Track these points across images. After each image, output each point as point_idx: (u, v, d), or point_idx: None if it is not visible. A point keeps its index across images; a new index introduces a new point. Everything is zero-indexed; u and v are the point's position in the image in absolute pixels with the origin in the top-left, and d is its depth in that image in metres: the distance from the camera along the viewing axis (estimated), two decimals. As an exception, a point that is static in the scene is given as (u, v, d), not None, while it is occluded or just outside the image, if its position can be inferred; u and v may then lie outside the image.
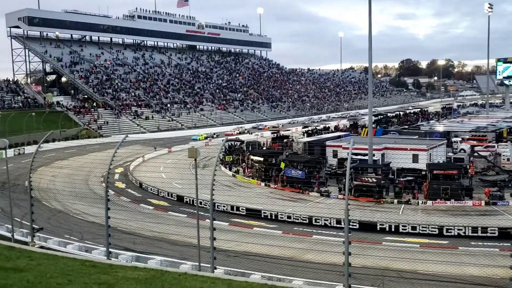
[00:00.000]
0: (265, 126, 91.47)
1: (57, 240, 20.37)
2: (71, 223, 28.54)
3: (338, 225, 26.89)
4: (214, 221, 13.57)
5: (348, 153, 13.19)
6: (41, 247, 16.93)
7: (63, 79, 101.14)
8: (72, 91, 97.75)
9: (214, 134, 77.21)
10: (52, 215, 30.06)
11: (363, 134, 55.97)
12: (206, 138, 71.57)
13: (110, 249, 15.26)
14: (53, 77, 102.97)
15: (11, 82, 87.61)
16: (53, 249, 16.94)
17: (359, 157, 38.33)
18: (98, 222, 25.94)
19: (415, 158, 39.99)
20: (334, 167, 41.35)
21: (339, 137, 52.59)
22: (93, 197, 34.39)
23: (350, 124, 76.77)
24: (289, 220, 29.23)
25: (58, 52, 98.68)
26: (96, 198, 32.95)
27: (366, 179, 33.97)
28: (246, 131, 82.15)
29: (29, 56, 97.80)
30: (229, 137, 65.60)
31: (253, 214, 30.28)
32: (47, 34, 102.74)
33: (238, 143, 55.46)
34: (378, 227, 26.95)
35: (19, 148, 57.29)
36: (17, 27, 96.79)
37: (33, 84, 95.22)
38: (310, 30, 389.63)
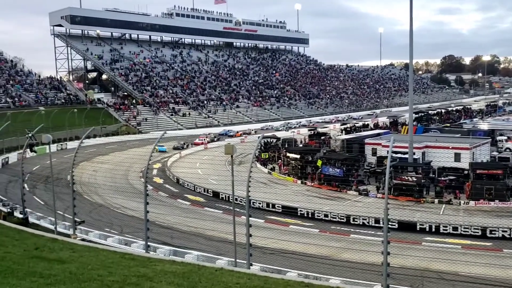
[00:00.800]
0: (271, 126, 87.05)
1: (98, 233, 20.92)
2: (111, 216, 29.26)
3: (376, 225, 26.42)
4: (250, 218, 13.55)
5: (388, 151, 12.89)
6: (83, 239, 17.41)
7: (104, 76, 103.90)
8: (113, 88, 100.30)
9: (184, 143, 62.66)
10: (93, 208, 30.91)
11: (403, 132, 54.73)
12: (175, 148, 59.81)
13: (148, 243, 15.52)
14: (94, 74, 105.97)
15: (54, 79, 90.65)
16: (94, 242, 17.39)
17: (399, 155, 37.46)
18: (137, 216, 26.48)
19: (457, 157, 38.75)
20: (373, 165, 40.62)
21: (378, 134, 51.62)
22: (133, 191, 35.14)
23: (390, 121, 75.19)
24: (326, 218, 28.92)
25: (99, 50, 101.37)
26: (135, 192, 33.66)
27: (406, 178, 33.21)
28: (249, 133, 77.84)
29: (71, 54, 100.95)
30: (265, 134, 65.54)
31: (289, 211, 30.12)
32: (88, 32, 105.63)
33: (274, 140, 55.38)
34: (418, 227, 26.30)
35: (61, 143, 59.22)
36: (60, 25, 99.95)
37: (75, 81, 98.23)
38: (349, 26, 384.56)
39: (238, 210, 15.01)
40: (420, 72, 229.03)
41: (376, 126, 71.05)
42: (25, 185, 31.52)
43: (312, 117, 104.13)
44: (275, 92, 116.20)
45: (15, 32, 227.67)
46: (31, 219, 22.69)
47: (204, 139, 65.13)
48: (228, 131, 78.99)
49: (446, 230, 25.66)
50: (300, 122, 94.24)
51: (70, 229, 19.50)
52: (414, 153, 38.56)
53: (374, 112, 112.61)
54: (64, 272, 9.33)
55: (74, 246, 13.58)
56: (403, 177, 33.49)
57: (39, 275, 8.83)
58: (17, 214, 23.50)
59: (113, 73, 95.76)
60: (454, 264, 19.86)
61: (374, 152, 43.25)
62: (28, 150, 43.81)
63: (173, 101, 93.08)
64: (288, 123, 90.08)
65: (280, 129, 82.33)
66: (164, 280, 9.21)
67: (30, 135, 30.50)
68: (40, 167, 43.02)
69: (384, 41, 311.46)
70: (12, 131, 46.66)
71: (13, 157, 47.30)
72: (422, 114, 79.24)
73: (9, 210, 24.30)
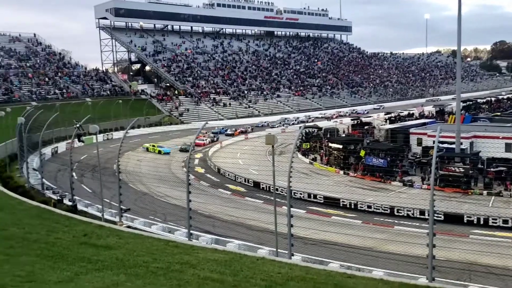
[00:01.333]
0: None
1: (142, 221, 21.49)
2: (155, 205, 29.96)
3: (421, 216, 25.76)
4: (291, 208, 13.49)
5: (434, 141, 12.48)
6: (128, 226, 17.92)
7: (147, 67, 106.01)
8: (155, 80, 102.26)
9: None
10: (138, 197, 31.72)
11: (450, 121, 52.92)
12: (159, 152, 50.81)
13: (191, 231, 15.76)
14: (137, 66, 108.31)
15: (99, 71, 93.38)
16: (139, 229, 17.85)
17: (445, 145, 36.26)
18: (180, 204, 26.96)
19: (508, 148, 37.10)
20: (418, 156, 39.55)
21: (424, 124, 50.21)
22: (175, 181, 35.81)
23: (436, 110, 72.81)
24: (369, 209, 28.52)
25: (142, 42, 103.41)
26: (178, 182, 34.29)
27: (453, 169, 32.18)
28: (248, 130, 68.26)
29: (115, 46, 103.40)
30: (307, 124, 64.76)
31: (331, 202, 29.86)
32: (131, 25, 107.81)
33: (316, 130, 54.87)
34: (465, 219, 25.51)
35: (107, 133, 61.01)
36: (105, 18, 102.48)
37: (120, 73, 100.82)
38: (393, 12, 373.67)
39: (279, 200, 14.99)
40: (468, 59, 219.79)
41: (422, 115, 69.06)
42: (74, 174, 32.73)
43: (356, 106, 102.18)
44: (317, 81, 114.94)
45: (62, 25, 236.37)
46: (80, 207, 23.59)
47: (205, 139, 58.08)
48: (223, 128, 67.90)
49: (496, 223, 24.77)
50: (298, 118, 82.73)
51: (116, 217, 20.13)
52: (461, 143, 37.25)
53: (380, 105, 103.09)
54: (111, 258, 9.61)
55: (120, 233, 13.98)
56: (449, 167, 32.46)
57: (87, 261, 9.14)
58: (66, 201, 24.50)
59: (156, 64, 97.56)
60: (504, 258, 19.10)
61: (419, 142, 42.08)
62: (76, 140, 45.59)
63: (214, 91, 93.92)
64: (286, 119, 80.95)
65: (276, 125, 73.75)
66: (207, 267, 9.32)
67: (78, 125, 31.59)
68: (88, 157, 44.52)
69: (430, 28, 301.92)
70: (60, 122, 48.43)
71: (61, 146, 49.15)
72: (470, 102, 76.26)
73: (59, 197, 25.38)
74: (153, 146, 51.80)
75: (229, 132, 66.01)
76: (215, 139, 59.96)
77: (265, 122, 78.20)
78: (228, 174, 39.62)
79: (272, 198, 15.13)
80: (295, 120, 79.37)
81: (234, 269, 9.45)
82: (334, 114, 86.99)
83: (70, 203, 23.39)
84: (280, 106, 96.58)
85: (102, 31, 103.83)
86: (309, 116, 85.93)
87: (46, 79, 78.40)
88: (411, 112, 73.43)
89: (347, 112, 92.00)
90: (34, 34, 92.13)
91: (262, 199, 31.00)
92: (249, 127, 70.48)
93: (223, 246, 15.03)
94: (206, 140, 58.07)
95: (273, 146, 14.49)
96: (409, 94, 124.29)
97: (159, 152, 50.19)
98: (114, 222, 18.36)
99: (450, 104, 76.88)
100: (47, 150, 44.46)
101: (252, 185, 36.31)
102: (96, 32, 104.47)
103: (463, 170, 31.96)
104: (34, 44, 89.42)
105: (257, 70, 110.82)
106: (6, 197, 20.69)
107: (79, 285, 6.89)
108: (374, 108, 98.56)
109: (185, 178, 15.84)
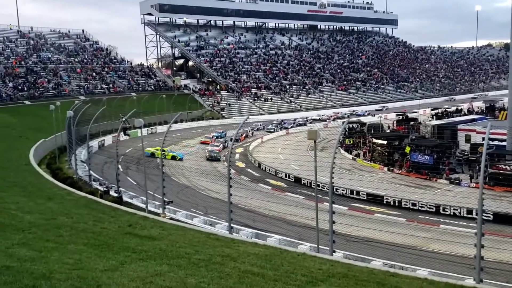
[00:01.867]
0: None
1: (184, 213, 21.86)
2: (197, 198, 30.39)
3: (469, 215, 24.92)
4: (333, 205, 13.32)
5: (484, 138, 11.97)
6: (171, 218, 18.26)
7: (190, 63, 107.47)
8: (198, 75, 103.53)
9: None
10: (180, 190, 32.25)
11: (501, 118, 50.73)
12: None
13: (232, 225, 15.87)
14: (181, 61, 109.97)
15: (144, 67, 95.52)
16: (182, 221, 18.17)
17: (495, 142, 34.77)
18: (221, 198, 27.20)
19: None
20: (466, 153, 38.14)
21: (473, 120, 48.35)
22: (216, 174, 36.18)
23: (486, 106, 69.89)
24: (414, 207, 27.82)
25: (186, 37, 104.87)
26: (219, 176, 34.62)
27: (504, 167, 30.83)
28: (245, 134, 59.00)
29: (159, 41, 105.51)
30: (350, 119, 63.49)
31: (375, 199, 29.28)
32: (175, 20, 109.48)
33: (360, 126, 53.97)
34: (516, 220, 24.33)
35: (151, 127, 62.39)
36: (150, 14, 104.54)
37: (164, 68, 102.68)
38: (441, 5, 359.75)
39: (320, 196, 14.82)
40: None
41: (471, 111, 66.49)
42: (119, 166, 33.63)
43: (401, 101, 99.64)
44: (361, 75, 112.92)
45: (108, 21, 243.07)
46: (125, 198, 24.25)
47: (212, 139, 53.45)
48: (221, 133, 57.43)
49: (551, 224, 23.49)
50: (296, 119, 73.13)
51: (159, 208, 20.56)
52: (513, 141, 35.62)
53: (384, 106, 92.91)
54: (154, 248, 9.80)
55: (163, 225, 14.26)
56: (500, 165, 31.13)
57: (132, 250, 9.36)
58: (112, 193, 25.27)
59: (198, 59, 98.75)
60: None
61: (467, 139, 40.54)
62: (122, 133, 46.80)
63: (255, 86, 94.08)
64: (283, 121, 70.94)
65: (272, 130, 64.65)
66: (247, 261, 9.34)
67: (123, 119, 32.42)
68: (133, 150, 45.71)
69: (481, 20, 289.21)
70: (107, 116, 49.88)
71: (108, 139, 50.65)
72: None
73: (105, 189, 26.18)
74: (164, 151, 32.66)
75: (221, 136, 56.22)
76: (226, 145, 50.00)
77: (260, 124, 67.86)
78: (269, 169, 39.63)
79: (313, 194, 14.98)
80: (294, 123, 69.86)
81: (274, 264, 9.42)
82: (331, 116, 79.46)
83: (115, 195, 24.10)
84: (323, 101, 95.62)
85: (147, 27, 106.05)
86: (306, 118, 76.37)
87: (94, 74, 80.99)
88: (459, 107, 70.79)
89: (345, 114, 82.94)
90: (83, 30, 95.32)
91: (303, 194, 30.83)
92: (249, 131, 62.06)
93: (263, 240, 15.04)
94: (219, 146, 49.45)
95: (315, 141, 14.33)
96: (457, 89, 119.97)
97: (173, 158, 42.84)
98: (157, 214, 18.75)
99: (501, 100, 73.57)
100: (94, 143, 45.96)
101: (293, 180, 36.16)
102: (141, 28, 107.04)
103: (514, 168, 30.58)
104: (82, 40, 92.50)
105: (299, 64, 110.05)
106: (56, 188, 21.56)
107: (124, 274, 7.06)
108: (376, 110, 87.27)
109: (226, 172, 15.94)
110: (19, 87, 67.16)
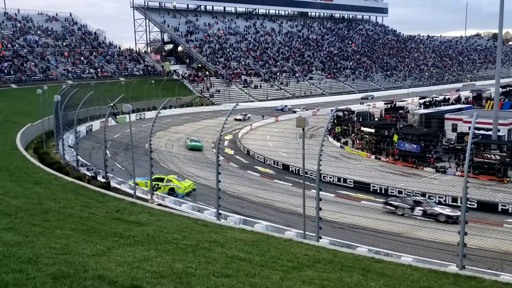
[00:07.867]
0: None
1: (173, 199, 21.87)
2: (185, 184, 30.32)
3: (453, 203, 25.29)
4: (320, 192, 13.44)
5: (470, 127, 12.12)
6: (159, 204, 18.29)
7: (179, 48, 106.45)
8: (187, 60, 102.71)
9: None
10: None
11: (487, 107, 51.29)
12: None
13: (219, 211, 15.94)
14: (170, 46, 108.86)
15: (133, 51, 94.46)
16: (170, 207, 18.20)
17: (481, 132, 35.24)
18: (209, 185, 27.25)
19: (548, 135, 35.78)
20: (452, 142, 38.61)
21: (460, 109, 48.83)
22: (205, 161, 36.20)
23: (473, 96, 70.54)
24: (400, 195, 28.10)
25: (175, 22, 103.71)
26: (207, 162, 34.65)
27: (489, 156, 31.28)
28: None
29: (149, 26, 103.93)
30: (339, 107, 63.04)
31: (361, 187, 29.59)
32: (165, 4, 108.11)
33: (348, 113, 54.19)
34: (499, 208, 24.83)
35: (140, 113, 61.98)
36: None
37: (153, 53, 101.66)
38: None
39: (308, 183, 14.94)
40: (510, 43, 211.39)
41: (458, 100, 67.06)
42: (107, 152, 33.45)
43: (389, 90, 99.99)
44: (351, 63, 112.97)
45: (97, 5, 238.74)
46: (113, 184, 24.14)
47: None
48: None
49: (532, 213, 24.00)
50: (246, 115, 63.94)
51: (147, 194, 20.56)
52: (498, 130, 36.09)
53: (370, 96, 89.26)
54: (142, 234, 9.84)
55: (151, 210, 14.29)
56: (485, 155, 31.58)
57: (119, 236, 9.39)
58: (100, 178, 25.14)
59: (188, 45, 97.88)
60: (539, 249, 18.53)
61: (454, 128, 41.05)
62: (110, 118, 46.41)
63: (245, 73, 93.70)
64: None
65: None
66: (235, 246, 9.43)
67: (111, 104, 32.16)
68: (121, 135, 45.40)
69: (470, 10, 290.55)
70: (95, 101, 49.43)
71: (96, 125, 50.26)
72: (510, 88, 73.43)
73: (93, 174, 26.04)
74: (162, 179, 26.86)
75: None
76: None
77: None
78: (258, 156, 39.73)
79: (301, 181, 15.08)
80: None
81: (261, 249, 9.52)
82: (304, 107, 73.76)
83: (103, 180, 23.99)
84: (312, 88, 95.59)
85: (136, 11, 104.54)
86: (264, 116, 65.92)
87: (82, 58, 79.98)
88: (446, 97, 71.34)
89: (294, 109, 73.62)
90: (70, 14, 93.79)
91: (291, 181, 31.02)
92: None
93: (250, 226, 15.16)
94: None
95: (303, 129, 14.37)
96: (445, 78, 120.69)
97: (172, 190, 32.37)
98: (145, 200, 18.77)
99: (488, 89, 74.30)
100: (82, 128, 45.59)
101: (281, 167, 36.33)
102: (130, 12, 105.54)
103: (499, 157, 31.03)
104: (70, 24, 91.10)
105: (289, 51, 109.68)
106: (43, 173, 21.41)
107: (111, 259, 7.09)
108: (362, 98, 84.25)
109: (215, 159, 15.97)
110: (5, 71, 66.10)
